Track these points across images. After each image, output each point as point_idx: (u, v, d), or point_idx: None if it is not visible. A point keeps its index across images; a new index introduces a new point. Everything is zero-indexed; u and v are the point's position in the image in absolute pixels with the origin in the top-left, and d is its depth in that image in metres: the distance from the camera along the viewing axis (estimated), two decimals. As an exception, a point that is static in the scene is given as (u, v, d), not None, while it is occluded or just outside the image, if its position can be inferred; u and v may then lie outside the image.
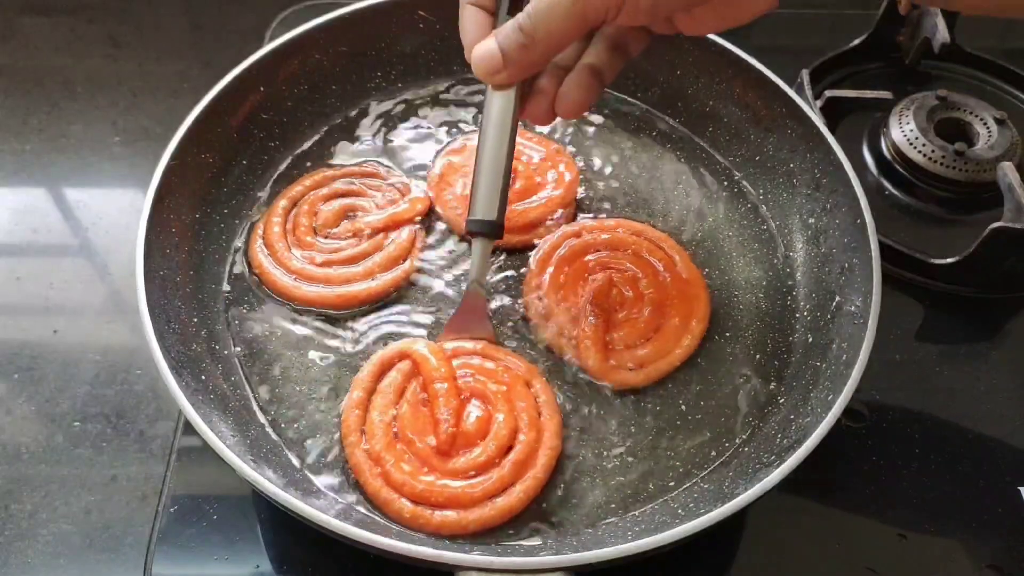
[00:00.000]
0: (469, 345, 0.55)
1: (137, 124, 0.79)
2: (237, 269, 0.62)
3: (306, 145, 0.69)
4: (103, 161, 0.77)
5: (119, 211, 0.73)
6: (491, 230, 0.51)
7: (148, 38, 0.87)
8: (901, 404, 0.62)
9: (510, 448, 0.51)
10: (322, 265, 0.60)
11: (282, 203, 0.63)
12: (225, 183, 0.64)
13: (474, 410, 0.52)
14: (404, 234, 0.62)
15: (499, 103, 0.50)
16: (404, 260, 0.61)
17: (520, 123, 0.52)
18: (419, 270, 0.61)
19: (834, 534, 0.55)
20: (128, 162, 0.77)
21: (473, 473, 0.50)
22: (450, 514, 0.48)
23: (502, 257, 0.63)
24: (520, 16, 0.45)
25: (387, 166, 0.67)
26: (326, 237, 0.62)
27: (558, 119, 0.53)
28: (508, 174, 0.51)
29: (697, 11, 0.47)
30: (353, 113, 0.71)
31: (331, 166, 0.67)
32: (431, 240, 0.63)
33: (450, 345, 0.55)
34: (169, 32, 0.88)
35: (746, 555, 0.54)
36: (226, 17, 0.90)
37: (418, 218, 0.63)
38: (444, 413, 0.51)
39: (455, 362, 0.54)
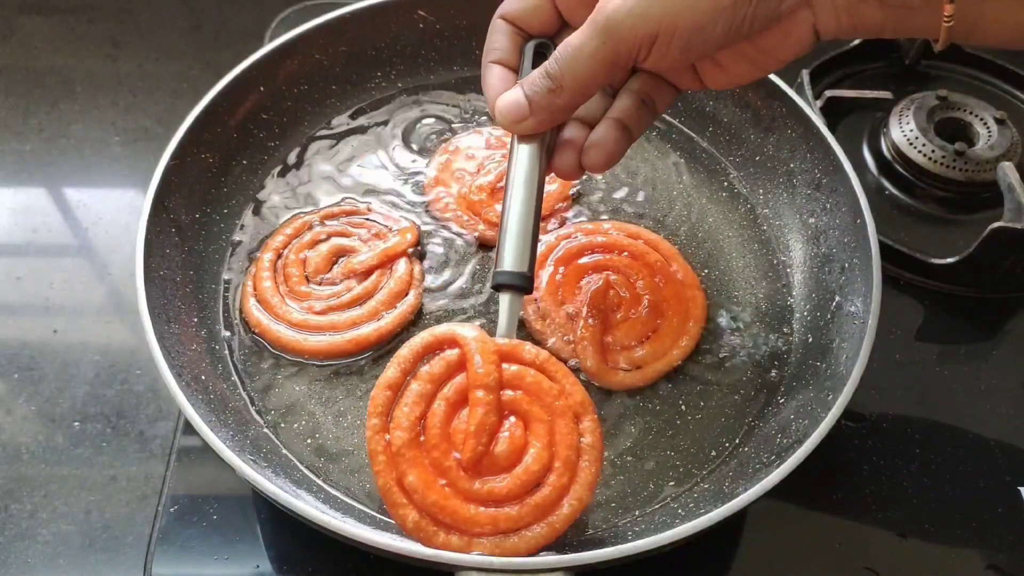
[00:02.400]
0: (530, 352, 0.49)
1: (137, 124, 0.79)
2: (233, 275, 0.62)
3: (304, 144, 0.69)
4: (103, 161, 0.77)
5: (119, 211, 0.73)
6: (522, 283, 0.48)
7: (148, 38, 0.87)
8: (901, 404, 0.62)
9: (537, 485, 0.47)
10: (323, 312, 0.58)
11: (267, 256, 0.60)
12: (225, 183, 0.64)
13: (509, 432, 0.47)
14: (401, 268, 0.60)
15: (525, 154, 0.48)
16: (407, 294, 0.59)
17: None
18: (424, 302, 0.60)
19: (834, 534, 0.55)
20: (128, 162, 0.77)
21: (490, 503, 0.46)
22: (454, 539, 0.46)
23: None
24: (547, 63, 0.45)
25: (366, 201, 0.65)
26: (320, 284, 0.60)
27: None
28: (537, 227, 0.48)
29: (726, 60, 0.46)
30: (352, 113, 0.71)
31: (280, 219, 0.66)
32: (428, 267, 0.62)
33: (506, 342, 0.49)
34: (169, 32, 0.88)
35: (746, 555, 0.54)
36: (226, 17, 0.90)
37: (410, 249, 0.61)
38: (477, 428, 0.46)
39: (508, 367, 0.48)
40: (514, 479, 0.46)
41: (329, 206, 0.65)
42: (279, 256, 0.61)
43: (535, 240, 0.48)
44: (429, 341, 0.49)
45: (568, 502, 0.46)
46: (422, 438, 0.47)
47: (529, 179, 0.48)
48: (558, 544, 0.49)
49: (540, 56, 0.49)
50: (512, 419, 0.48)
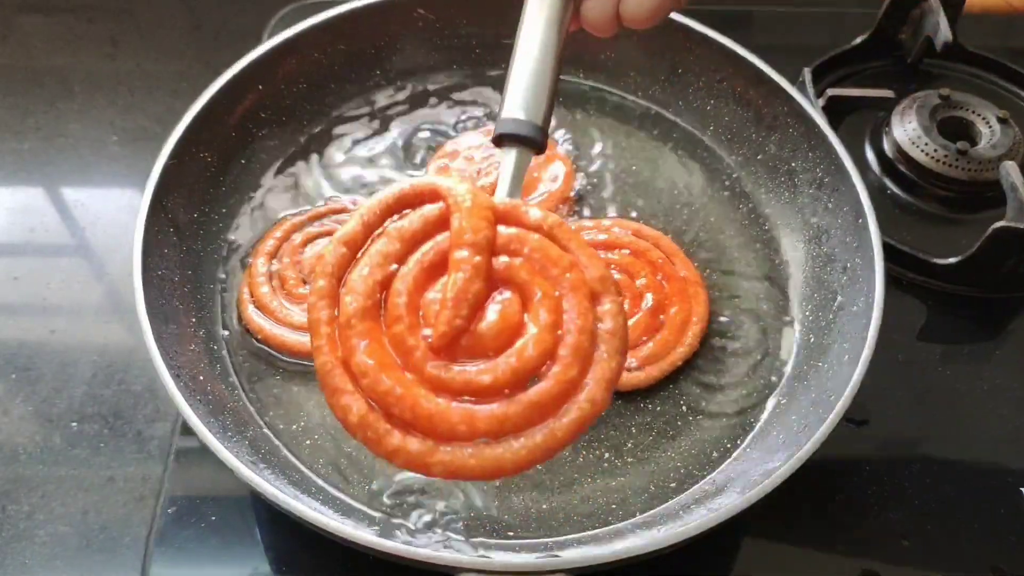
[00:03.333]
0: (536, 215, 0.36)
1: (135, 123, 0.79)
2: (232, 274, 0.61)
3: (306, 143, 0.69)
4: (101, 161, 0.76)
5: (117, 211, 0.73)
6: (532, 134, 0.38)
7: (147, 37, 0.87)
8: (903, 404, 0.62)
9: (535, 378, 0.35)
10: None
11: (260, 261, 0.60)
12: (223, 182, 0.64)
13: (501, 306, 0.35)
14: None
15: None
16: None
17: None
18: None
19: (835, 536, 0.55)
20: (126, 162, 0.76)
21: (468, 398, 0.34)
22: (413, 442, 0.34)
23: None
24: None
25: (351, 199, 0.65)
26: None
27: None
28: (556, 75, 0.39)
29: None
30: (351, 112, 0.71)
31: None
32: None
33: (505, 201, 0.37)
34: (168, 31, 0.88)
35: (746, 556, 0.54)
36: (225, 16, 0.90)
37: None
38: (456, 296, 0.34)
39: (505, 231, 0.36)
40: (503, 366, 0.34)
41: (316, 207, 0.64)
42: (272, 261, 0.61)
43: (553, 89, 0.39)
44: (405, 192, 0.37)
45: (578, 403, 0.34)
46: (383, 311, 0.35)
47: (550, 18, 0.39)
48: (559, 545, 0.48)
49: None
50: (506, 293, 0.36)
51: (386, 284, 0.35)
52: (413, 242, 0.36)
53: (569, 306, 0.35)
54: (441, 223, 0.36)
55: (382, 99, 0.72)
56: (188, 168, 0.60)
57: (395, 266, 0.35)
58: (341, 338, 0.35)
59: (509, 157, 0.38)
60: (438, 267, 0.36)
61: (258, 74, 0.65)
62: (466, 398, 0.34)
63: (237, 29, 0.88)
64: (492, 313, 0.35)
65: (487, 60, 0.73)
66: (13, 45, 0.86)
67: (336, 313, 0.35)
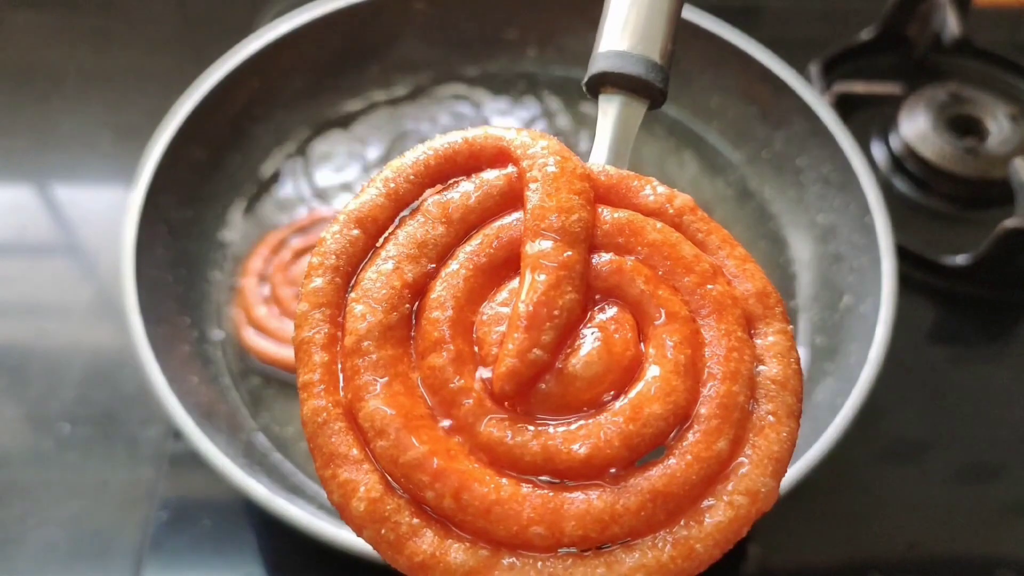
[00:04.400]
0: (655, 192, 0.25)
1: (128, 120, 0.78)
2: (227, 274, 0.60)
3: (301, 140, 0.68)
4: (93, 158, 0.75)
5: (109, 209, 0.72)
6: (649, 75, 0.27)
7: (139, 32, 0.86)
8: (910, 406, 0.61)
9: (659, 448, 0.23)
10: None
11: (251, 282, 0.58)
12: (217, 180, 0.63)
13: (602, 332, 0.23)
14: None
15: None
16: None
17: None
18: None
19: (841, 538, 0.54)
20: (118, 159, 0.75)
21: (549, 478, 0.22)
22: (456, 551, 0.22)
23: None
24: None
25: (330, 208, 0.63)
26: None
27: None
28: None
29: None
30: (349, 108, 0.70)
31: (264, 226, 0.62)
32: None
33: (607, 170, 0.26)
34: (161, 26, 0.87)
35: (752, 561, 0.53)
36: (218, 11, 0.88)
37: None
38: (535, 311, 0.23)
39: (610, 214, 0.25)
40: (608, 429, 0.22)
41: (299, 220, 0.63)
42: (263, 279, 0.59)
43: (675, 15, 0.27)
44: (455, 147, 0.25)
45: (729, 496, 0.22)
46: (414, 332, 0.24)
47: None
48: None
49: None
50: (612, 310, 0.24)
51: (421, 289, 0.23)
52: (465, 225, 0.24)
53: (713, 336, 0.23)
54: (509, 198, 0.24)
55: (380, 95, 0.71)
56: (181, 165, 0.59)
57: (430, 264, 0.24)
58: (346, 372, 0.23)
59: (611, 108, 0.28)
60: (503, 266, 0.24)
61: (253, 68, 0.64)
62: (546, 479, 0.22)
63: (229, 23, 0.87)
64: (590, 342, 0.23)
65: (487, 55, 0.71)
66: (3, 40, 0.84)
67: (340, 333, 0.23)
